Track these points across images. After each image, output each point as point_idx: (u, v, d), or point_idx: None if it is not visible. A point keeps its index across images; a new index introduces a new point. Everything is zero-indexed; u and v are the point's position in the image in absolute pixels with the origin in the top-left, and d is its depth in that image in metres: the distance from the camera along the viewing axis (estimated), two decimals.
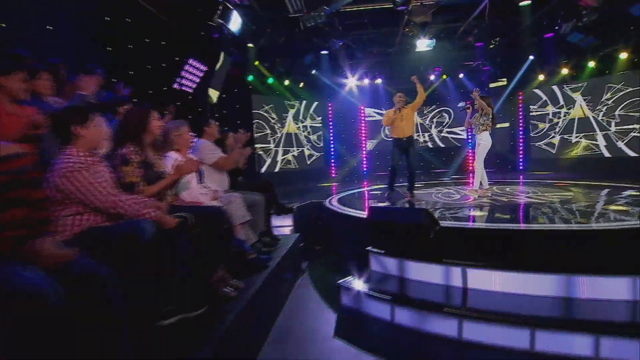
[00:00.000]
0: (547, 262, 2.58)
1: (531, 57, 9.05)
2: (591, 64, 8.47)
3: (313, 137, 10.41)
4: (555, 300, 2.41)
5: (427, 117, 11.48)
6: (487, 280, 2.58)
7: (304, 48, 8.46)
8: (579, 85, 8.91)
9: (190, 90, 5.97)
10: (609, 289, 2.32)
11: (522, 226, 3.35)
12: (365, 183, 9.38)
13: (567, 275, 2.38)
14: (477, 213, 4.03)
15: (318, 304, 3.11)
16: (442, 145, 11.36)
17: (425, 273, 2.83)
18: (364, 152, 11.24)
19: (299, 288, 3.42)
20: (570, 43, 7.87)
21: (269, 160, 9.26)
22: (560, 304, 2.39)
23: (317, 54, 8.54)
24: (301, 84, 9.94)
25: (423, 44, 8.34)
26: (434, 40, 8.20)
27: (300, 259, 4.03)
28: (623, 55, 8.01)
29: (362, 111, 11.29)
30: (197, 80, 5.98)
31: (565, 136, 9.17)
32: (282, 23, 7.52)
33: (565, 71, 8.97)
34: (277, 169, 9.28)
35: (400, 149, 5.03)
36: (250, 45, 7.75)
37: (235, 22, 5.82)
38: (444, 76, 10.49)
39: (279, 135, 9.46)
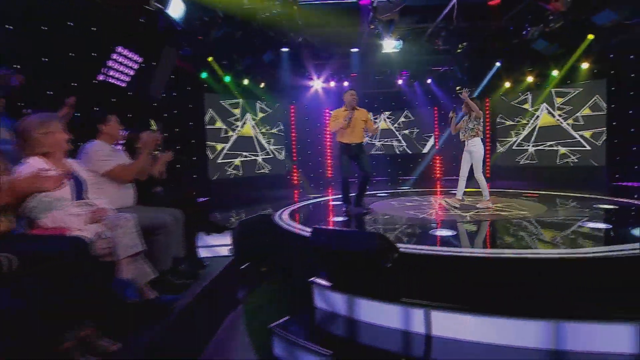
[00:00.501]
0: (532, 303, 2.04)
1: (498, 64, 8.89)
2: (555, 72, 8.42)
3: (272, 143, 9.69)
4: (540, 353, 1.86)
5: (394, 122, 11.12)
6: (456, 327, 2.01)
7: (263, 44, 7.78)
8: (544, 93, 8.84)
9: (123, 85, 5.12)
10: (607, 339, 1.80)
11: (499, 253, 2.77)
12: (331, 190, 8.81)
13: (556, 321, 1.84)
14: (445, 233, 3.49)
15: (246, 354, 2.41)
16: (409, 152, 11.03)
17: (380, 314, 2.22)
18: (330, 157, 10.68)
19: (225, 330, 2.70)
20: (535, 50, 7.75)
21: (221, 166, 8.44)
22: (548, 358, 1.85)
23: (278, 51, 7.88)
24: (262, 84, 9.23)
25: (390, 45, 7.93)
26: (401, 41, 7.82)
27: (236, 286, 3.32)
28: (585, 65, 8.00)
29: (328, 114, 10.75)
30: (132, 73, 5.14)
31: (529, 144, 9.06)
32: (238, 15, 6.84)
33: (530, 79, 8.90)
34: (231, 175, 8.48)
35: (350, 156, 4.42)
36: (201, 38, 6.96)
37: (175, 8, 5.06)
38: (412, 80, 10.18)
39: (233, 138, 8.68)
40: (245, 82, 8.74)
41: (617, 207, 4.56)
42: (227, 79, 8.40)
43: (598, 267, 2.30)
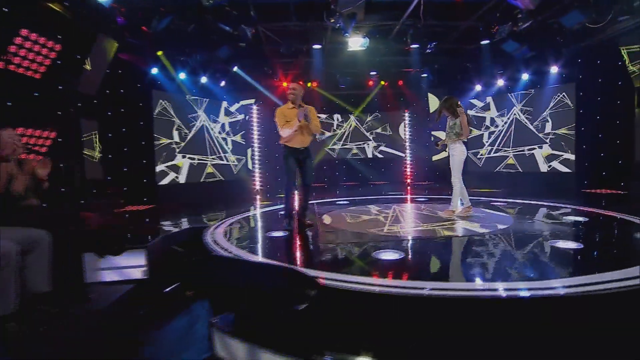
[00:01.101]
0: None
1: (468, 65, 8.62)
2: (525, 76, 8.21)
3: (230, 146, 9.04)
4: None
5: (367, 125, 10.71)
6: None
7: (220, 39, 7.16)
8: (514, 97, 8.62)
9: (37, 76, 4.40)
10: None
11: (452, 289, 2.15)
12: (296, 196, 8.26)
13: None
14: (389, 256, 2.88)
15: None
16: (379, 156, 10.63)
17: None
18: None
19: None
20: (506, 52, 7.50)
21: (173, 171, 7.73)
22: None
23: (235, 46, 7.28)
24: (222, 83, 8.60)
25: (356, 43, 7.49)
26: (367, 39, 7.40)
27: (136, 323, 2.69)
28: (554, 70, 7.81)
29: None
30: (47, 62, 4.43)
31: (499, 149, 8.82)
32: (188, 4, 6.22)
33: (501, 82, 8.67)
34: (183, 180, 7.78)
35: (296, 161, 3.87)
36: (145, 29, 6.27)
37: None
38: (382, 82, 9.80)
39: (188, 140, 7.98)
40: (204, 79, 8.11)
41: (587, 219, 4.20)
42: (182, 75, 7.73)
43: (584, 307, 1.83)
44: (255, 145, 9.36)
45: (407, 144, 10.40)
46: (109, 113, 6.85)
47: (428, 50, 7.87)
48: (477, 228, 3.74)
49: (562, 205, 5.18)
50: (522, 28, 6.19)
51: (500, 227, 3.77)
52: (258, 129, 9.63)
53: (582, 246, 2.92)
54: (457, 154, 4.22)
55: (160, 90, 7.47)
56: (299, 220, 4.00)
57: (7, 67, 3.86)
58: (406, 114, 10.32)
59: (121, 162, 6.78)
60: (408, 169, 10.35)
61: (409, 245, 3.26)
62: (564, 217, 4.28)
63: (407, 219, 4.39)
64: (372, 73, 9.41)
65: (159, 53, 7.07)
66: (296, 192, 4.12)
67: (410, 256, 2.90)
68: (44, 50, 4.27)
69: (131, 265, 3.24)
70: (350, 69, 9.02)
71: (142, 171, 7.10)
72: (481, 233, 3.54)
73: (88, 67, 5.32)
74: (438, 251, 3.07)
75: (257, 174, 9.39)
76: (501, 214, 4.65)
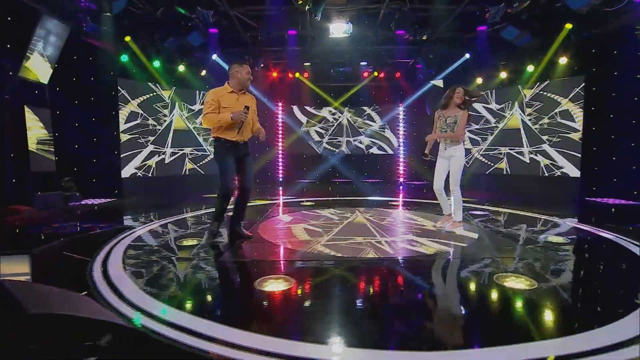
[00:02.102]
0: None
1: (467, 55, 7.81)
2: (530, 67, 7.35)
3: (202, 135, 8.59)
4: None
5: (358, 121, 10.05)
6: None
7: (192, 24, 6.70)
8: (517, 91, 7.77)
9: None
10: None
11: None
12: (281, 191, 7.81)
13: None
14: (278, 287, 2.24)
15: None
16: (377, 152, 9.96)
17: None
18: (280, 155, 9.65)
19: None
20: (506, 40, 6.69)
21: (138, 163, 7.37)
22: None
23: (206, 32, 6.80)
24: (203, 72, 8.16)
25: (339, 29, 6.88)
26: (351, 25, 6.76)
27: None
28: (563, 61, 6.92)
29: (281, 108, 9.72)
30: None
31: (494, 148, 8.01)
32: None
33: (503, 74, 7.84)
34: (153, 173, 7.42)
35: (235, 158, 3.18)
36: (107, 14, 5.85)
37: None
38: (375, 73, 9.10)
39: (159, 132, 7.60)
40: (181, 68, 7.69)
41: (569, 240, 3.48)
42: (156, 63, 7.33)
43: None
44: None
45: (402, 140, 9.69)
46: (76, 102, 6.57)
47: (423, 38, 7.14)
48: (426, 248, 3.13)
49: (554, 220, 4.44)
50: (518, 10, 5.40)
51: (448, 249, 3.11)
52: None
53: (535, 286, 2.11)
54: (459, 155, 3.55)
55: (130, 78, 7.10)
56: (234, 230, 3.40)
57: None
58: (400, 108, 9.60)
59: (82, 153, 6.49)
60: (401, 167, 9.66)
61: (314, 269, 2.55)
62: (542, 237, 3.48)
63: (356, 230, 3.81)
64: (362, 63, 8.75)
65: (127, 39, 6.68)
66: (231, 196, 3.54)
67: (301, 289, 2.17)
68: None
69: (13, 274, 2.85)
70: (337, 58, 8.38)
71: (106, 163, 6.77)
72: (427, 255, 2.92)
73: (31, 52, 4.96)
74: (356, 281, 2.37)
75: None
76: (473, 226, 4.01)
